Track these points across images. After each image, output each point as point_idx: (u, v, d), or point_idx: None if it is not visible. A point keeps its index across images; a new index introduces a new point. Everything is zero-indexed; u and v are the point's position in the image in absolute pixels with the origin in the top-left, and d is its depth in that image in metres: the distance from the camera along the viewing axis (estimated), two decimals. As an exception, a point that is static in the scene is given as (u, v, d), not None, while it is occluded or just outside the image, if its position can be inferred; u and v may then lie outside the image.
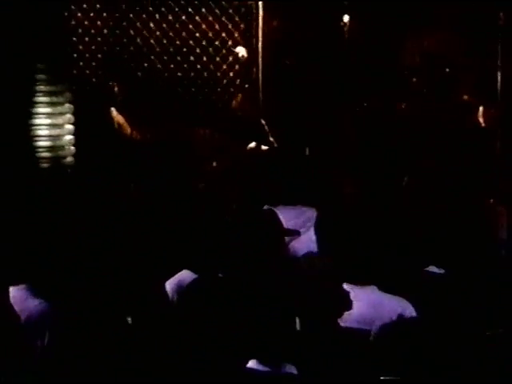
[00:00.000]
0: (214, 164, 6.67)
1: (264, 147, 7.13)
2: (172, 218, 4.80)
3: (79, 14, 8.13)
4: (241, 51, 7.92)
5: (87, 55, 8.22)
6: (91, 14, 8.27)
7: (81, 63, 8.04)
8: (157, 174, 6.26)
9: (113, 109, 7.14)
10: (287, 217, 4.82)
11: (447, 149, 7.14)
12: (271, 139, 7.36)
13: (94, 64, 8.22)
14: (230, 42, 8.16)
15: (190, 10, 8.19)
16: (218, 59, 8.19)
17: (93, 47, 8.22)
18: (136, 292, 3.72)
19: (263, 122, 7.65)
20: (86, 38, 8.25)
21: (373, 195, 5.35)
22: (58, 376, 3.11)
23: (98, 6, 8.29)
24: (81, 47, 8.14)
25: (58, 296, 3.66)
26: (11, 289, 3.41)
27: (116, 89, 7.26)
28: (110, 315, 3.31)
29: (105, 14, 8.30)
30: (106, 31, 8.28)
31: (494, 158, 6.82)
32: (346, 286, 3.56)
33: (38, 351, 3.47)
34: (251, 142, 7.19)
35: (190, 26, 8.18)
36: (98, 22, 8.27)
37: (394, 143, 7.42)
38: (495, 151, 6.91)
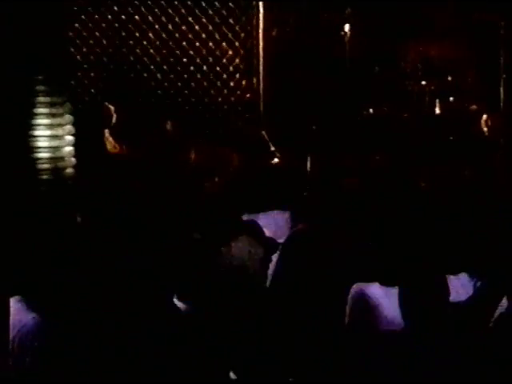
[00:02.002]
0: (216, 179, 6.63)
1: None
2: (165, 232, 4.75)
3: (78, 25, 8.11)
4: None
5: (85, 66, 8.20)
6: (90, 25, 8.25)
7: (79, 74, 8.02)
8: (151, 192, 6.21)
9: (106, 131, 7.11)
10: (265, 224, 4.83)
11: (450, 156, 7.12)
12: (273, 149, 7.33)
13: (92, 75, 8.20)
14: (230, 52, 8.13)
15: (189, 19, 8.17)
16: (218, 69, 8.16)
17: (91, 57, 8.21)
18: (131, 307, 3.68)
19: (264, 133, 7.62)
20: (85, 49, 8.23)
21: (377, 200, 5.32)
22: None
23: (96, 16, 8.27)
24: (79, 58, 8.12)
25: (52, 311, 3.62)
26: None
27: (112, 109, 7.23)
28: (104, 331, 3.26)
29: (104, 25, 8.28)
30: (104, 42, 8.26)
31: (496, 165, 6.80)
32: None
33: (26, 366, 3.43)
34: (252, 153, 7.15)
35: (190, 36, 8.16)
36: (97, 33, 8.25)
37: (396, 151, 7.39)
38: (497, 158, 6.89)
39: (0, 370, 2.77)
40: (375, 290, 3.77)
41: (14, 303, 3.40)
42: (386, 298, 3.70)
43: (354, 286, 4.02)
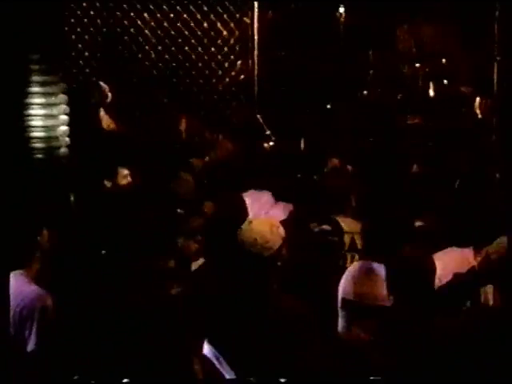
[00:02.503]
0: (206, 158, 6.64)
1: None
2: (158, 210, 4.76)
3: (72, 5, 8.08)
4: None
5: (80, 46, 8.18)
6: (84, 4, 8.22)
7: (73, 53, 7.99)
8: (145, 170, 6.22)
9: (101, 109, 7.10)
10: (249, 202, 4.90)
11: (445, 139, 7.13)
12: (268, 133, 7.33)
13: (87, 55, 8.18)
14: (225, 33, 8.12)
15: (185, 0, 8.14)
16: (212, 49, 8.15)
17: (86, 37, 8.19)
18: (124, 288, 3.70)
19: (259, 116, 7.62)
20: (79, 29, 8.21)
21: (370, 186, 5.34)
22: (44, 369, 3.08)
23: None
24: (74, 37, 8.09)
25: (52, 285, 3.65)
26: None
27: (106, 88, 7.22)
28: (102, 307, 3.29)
29: (98, 4, 8.25)
30: (99, 21, 8.23)
31: (489, 147, 6.82)
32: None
33: (26, 340, 3.47)
34: (247, 136, 7.16)
35: (185, 16, 8.13)
36: (91, 12, 8.23)
37: (391, 135, 7.41)
38: (491, 140, 6.91)
39: (0, 340, 2.79)
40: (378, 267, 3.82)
41: (14, 276, 3.44)
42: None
43: (359, 262, 4.06)
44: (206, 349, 3.23)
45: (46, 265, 3.78)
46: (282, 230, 3.73)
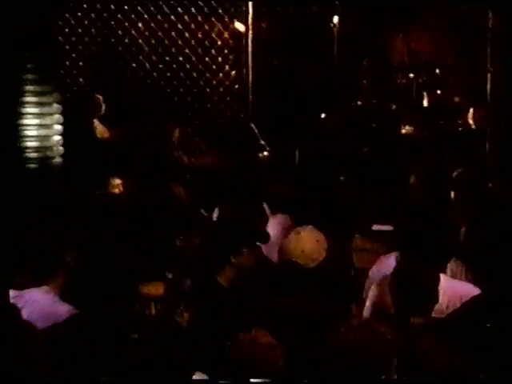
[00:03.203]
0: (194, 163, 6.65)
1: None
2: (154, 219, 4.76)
3: (67, 14, 8.08)
4: (239, 27, 7.83)
5: (74, 55, 8.17)
6: (79, 14, 8.22)
7: (67, 63, 7.99)
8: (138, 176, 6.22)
9: (95, 120, 7.11)
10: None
11: (437, 148, 7.15)
12: (262, 142, 7.33)
13: (81, 64, 8.17)
14: (219, 43, 8.12)
15: (179, 10, 8.14)
16: (207, 59, 8.15)
17: (80, 47, 8.18)
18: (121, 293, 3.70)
19: (253, 125, 7.62)
20: (73, 38, 8.20)
21: (365, 193, 5.35)
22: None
23: (85, 5, 8.24)
24: (68, 47, 8.09)
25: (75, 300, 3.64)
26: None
27: (101, 99, 7.22)
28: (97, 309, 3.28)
29: (92, 14, 8.25)
30: (93, 31, 8.23)
31: (483, 158, 6.84)
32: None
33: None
34: (240, 146, 7.16)
35: (179, 26, 8.14)
36: (86, 22, 8.23)
37: (383, 143, 7.42)
38: (484, 151, 6.93)
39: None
40: None
41: (40, 292, 3.44)
42: None
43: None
44: None
45: (71, 280, 3.77)
46: (325, 243, 3.78)
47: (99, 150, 6.78)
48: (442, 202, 5.24)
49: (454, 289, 3.59)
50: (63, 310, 3.55)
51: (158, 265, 4.00)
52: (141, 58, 8.25)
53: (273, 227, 4.79)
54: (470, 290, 3.54)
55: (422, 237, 3.70)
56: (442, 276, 3.61)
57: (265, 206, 5.17)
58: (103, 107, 7.22)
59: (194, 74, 8.21)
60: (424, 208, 4.81)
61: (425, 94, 8.01)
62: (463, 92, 7.91)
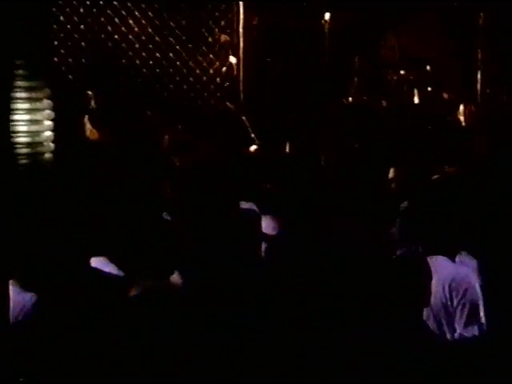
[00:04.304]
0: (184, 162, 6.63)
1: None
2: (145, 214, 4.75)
3: (56, 10, 8.05)
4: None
5: (63, 51, 8.14)
6: (68, 10, 8.19)
7: (55, 59, 7.96)
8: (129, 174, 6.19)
9: (86, 116, 7.08)
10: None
11: (428, 145, 7.16)
12: (252, 136, 7.32)
13: (70, 61, 8.14)
14: (209, 39, 8.11)
15: (169, 5, 8.12)
16: (197, 56, 8.14)
17: (69, 43, 8.16)
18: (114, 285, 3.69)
19: (244, 118, 7.60)
20: (62, 34, 8.17)
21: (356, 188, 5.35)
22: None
23: (75, 2, 8.21)
24: (57, 43, 8.06)
25: (41, 290, 3.63)
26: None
27: (90, 95, 7.20)
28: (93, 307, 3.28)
29: (82, 10, 8.22)
30: (83, 27, 8.21)
31: (472, 154, 6.86)
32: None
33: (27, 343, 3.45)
34: (231, 140, 7.15)
35: (170, 23, 8.12)
36: (75, 18, 8.20)
37: (374, 139, 7.42)
38: (474, 147, 6.95)
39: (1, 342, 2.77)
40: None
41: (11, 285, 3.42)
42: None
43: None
44: None
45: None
46: None
47: (90, 148, 6.76)
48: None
49: None
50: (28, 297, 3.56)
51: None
52: (131, 54, 8.22)
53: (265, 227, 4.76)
54: None
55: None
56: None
57: (254, 206, 5.14)
58: (92, 103, 7.20)
59: (185, 71, 8.20)
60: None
61: (415, 90, 8.04)
62: (454, 89, 7.94)
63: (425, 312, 3.48)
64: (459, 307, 3.64)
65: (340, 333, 2.91)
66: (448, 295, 3.65)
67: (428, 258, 3.65)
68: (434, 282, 3.42)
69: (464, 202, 4.82)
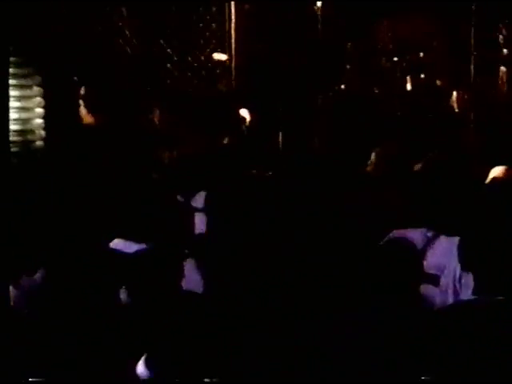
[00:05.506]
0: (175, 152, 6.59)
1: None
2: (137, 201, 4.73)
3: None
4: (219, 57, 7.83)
5: (54, 38, 8.07)
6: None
7: (47, 46, 7.89)
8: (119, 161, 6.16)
9: (81, 102, 7.04)
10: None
11: (421, 131, 7.16)
12: (243, 128, 7.29)
13: (61, 47, 8.07)
14: (200, 25, 8.06)
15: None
16: (188, 43, 8.09)
17: (60, 30, 8.08)
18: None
19: (236, 106, 7.56)
20: (52, 20, 8.10)
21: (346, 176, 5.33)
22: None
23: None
24: (48, 30, 7.99)
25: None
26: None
27: (83, 88, 7.15)
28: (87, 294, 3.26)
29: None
30: (74, 15, 8.13)
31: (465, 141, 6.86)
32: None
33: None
34: (223, 130, 7.11)
35: (161, 13, 8.06)
36: (65, 3, 8.12)
37: (367, 126, 7.41)
38: (467, 134, 6.95)
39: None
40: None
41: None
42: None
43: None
44: None
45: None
46: None
47: (81, 135, 6.71)
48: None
49: None
50: None
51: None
52: (121, 41, 8.16)
53: None
54: None
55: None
56: None
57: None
58: (82, 89, 7.14)
59: (175, 58, 8.14)
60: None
61: (408, 77, 8.01)
62: (447, 76, 7.92)
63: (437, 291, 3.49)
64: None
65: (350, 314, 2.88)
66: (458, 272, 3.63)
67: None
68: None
69: (451, 189, 4.81)
